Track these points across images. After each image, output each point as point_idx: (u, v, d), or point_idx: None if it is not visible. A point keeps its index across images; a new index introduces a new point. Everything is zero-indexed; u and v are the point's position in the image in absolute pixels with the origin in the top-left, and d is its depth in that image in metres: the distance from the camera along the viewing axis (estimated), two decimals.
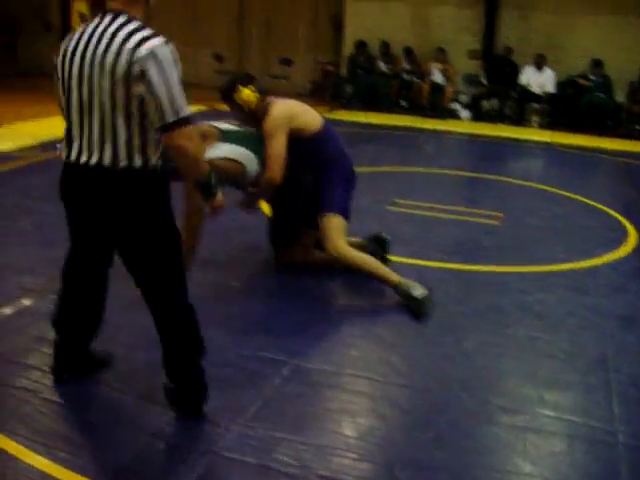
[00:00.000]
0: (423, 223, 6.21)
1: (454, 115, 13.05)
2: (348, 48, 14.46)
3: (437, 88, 13.30)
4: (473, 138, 11.38)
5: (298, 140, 4.52)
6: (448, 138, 11.38)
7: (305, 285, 4.67)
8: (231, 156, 4.42)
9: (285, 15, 15.86)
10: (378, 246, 5.00)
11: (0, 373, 3.43)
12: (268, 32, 16.15)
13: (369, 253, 4.70)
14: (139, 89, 2.73)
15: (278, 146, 4.40)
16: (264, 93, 4.64)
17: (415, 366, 3.72)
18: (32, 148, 8.78)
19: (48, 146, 8.81)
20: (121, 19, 2.79)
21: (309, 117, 4.66)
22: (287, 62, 15.60)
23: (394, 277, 4.40)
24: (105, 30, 2.78)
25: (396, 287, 4.36)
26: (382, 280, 4.44)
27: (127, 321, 3.92)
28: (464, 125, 12.45)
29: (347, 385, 3.48)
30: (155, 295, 3.09)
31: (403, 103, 13.75)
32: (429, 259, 5.24)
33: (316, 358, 3.71)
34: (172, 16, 16.61)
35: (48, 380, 3.37)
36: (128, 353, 3.64)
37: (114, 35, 2.74)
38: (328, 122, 4.86)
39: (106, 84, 2.75)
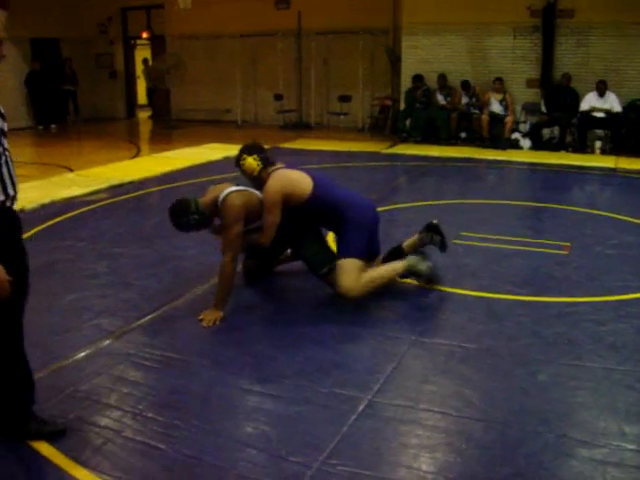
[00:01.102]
0: (490, 255, 6.18)
1: (514, 145, 12.98)
2: (405, 82, 14.56)
3: (496, 118, 13.26)
4: (534, 167, 11.28)
5: (297, 205, 4.93)
6: (509, 168, 11.31)
7: (376, 323, 4.71)
8: None
9: (342, 52, 16.12)
10: (434, 233, 5.49)
11: (83, 412, 3.54)
12: (326, 70, 16.42)
13: (427, 243, 5.47)
14: None
15: (272, 218, 4.83)
16: (269, 162, 5.01)
17: (490, 399, 3.70)
18: (101, 192, 9.07)
19: (116, 190, 9.11)
20: None
21: (301, 186, 4.93)
22: (346, 99, 15.83)
23: (400, 266, 5.06)
24: None
25: (407, 270, 5.06)
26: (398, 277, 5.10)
27: None
28: (525, 154, 12.36)
29: (422, 420, 3.48)
30: None
31: (462, 135, 13.76)
32: (499, 291, 5.22)
33: (391, 393, 3.73)
34: (233, 59, 17.05)
35: (128, 419, 3.47)
36: None
37: None
38: (321, 180, 5.05)
39: None
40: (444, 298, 5.14)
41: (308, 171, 5.11)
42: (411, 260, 5.10)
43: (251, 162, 4.96)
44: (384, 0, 15.49)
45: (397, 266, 5.07)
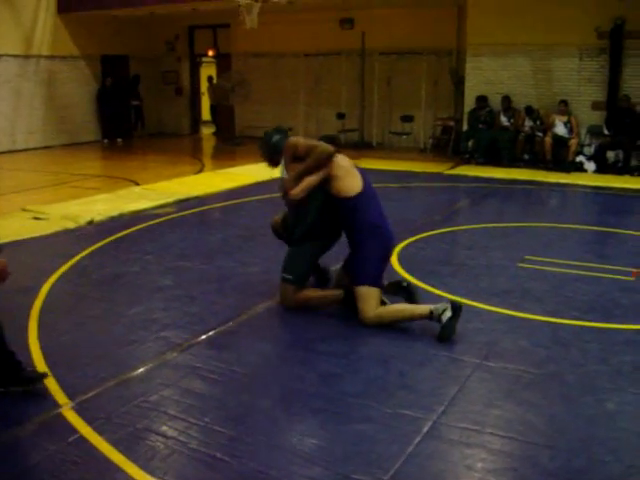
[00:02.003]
0: (555, 280, 6.11)
1: (579, 168, 12.80)
2: (468, 103, 14.51)
3: (560, 141, 13.11)
4: (599, 191, 11.11)
5: (337, 199, 5.07)
6: (573, 191, 11.16)
7: (440, 345, 4.69)
8: None
9: (405, 72, 16.15)
10: (406, 294, 5.34)
11: (150, 423, 3.62)
12: (389, 90, 16.46)
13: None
14: None
15: (314, 177, 5.04)
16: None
17: (556, 426, 3.65)
18: (167, 206, 9.24)
19: (182, 204, 9.27)
20: None
21: (353, 180, 5.06)
22: (408, 119, 15.84)
23: (425, 310, 4.81)
24: None
25: (430, 316, 4.76)
26: (418, 318, 4.85)
27: None
28: (589, 178, 12.16)
29: (488, 444, 3.46)
30: None
31: (525, 157, 13.63)
32: (564, 317, 5.16)
33: (455, 416, 3.72)
34: (297, 78, 17.24)
35: (195, 431, 3.53)
36: None
37: None
38: (370, 187, 5.15)
39: None
40: (509, 322, 5.10)
41: (363, 174, 5.20)
42: (439, 308, 4.79)
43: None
44: (448, 21, 15.49)
45: (421, 309, 4.89)
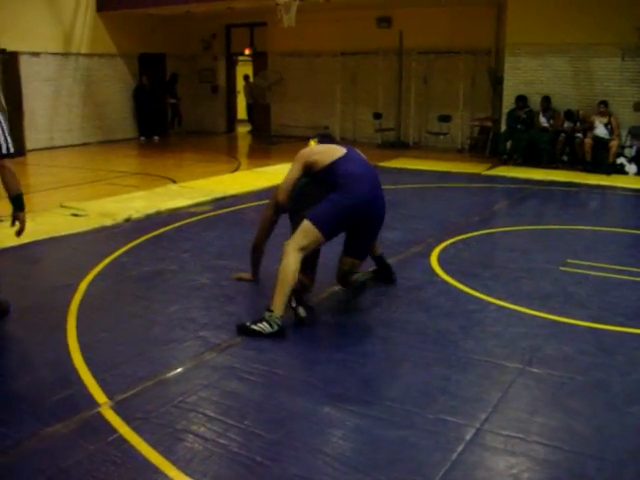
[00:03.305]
0: (599, 284, 5.98)
1: (619, 170, 12.58)
2: (507, 103, 14.34)
3: (600, 142, 12.89)
4: None
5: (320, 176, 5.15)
6: (613, 194, 10.96)
7: (482, 350, 4.62)
8: None
9: (443, 72, 16.04)
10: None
11: (190, 424, 3.58)
12: (426, 89, 16.35)
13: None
14: None
15: (290, 174, 5.28)
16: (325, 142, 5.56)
17: (603, 436, 3.55)
18: (204, 204, 9.25)
19: (219, 203, 9.26)
20: None
21: (323, 157, 5.17)
22: (446, 119, 15.71)
23: (282, 309, 4.75)
24: None
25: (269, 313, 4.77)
26: (279, 301, 4.76)
27: None
28: (630, 180, 11.94)
29: (533, 453, 3.37)
30: None
31: (565, 158, 13.44)
32: (609, 323, 5.04)
33: (499, 423, 3.63)
34: (333, 77, 17.19)
35: (234, 434, 3.49)
36: None
37: None
38: (350, 159, 5.16)
39: None
40: (552, 327, 4.99)
41: (350, 148, 5.33)
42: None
43: (311, 143, 5.52)
44: (487, 21, 15.33)
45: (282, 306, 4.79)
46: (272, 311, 4.74)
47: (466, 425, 3.60)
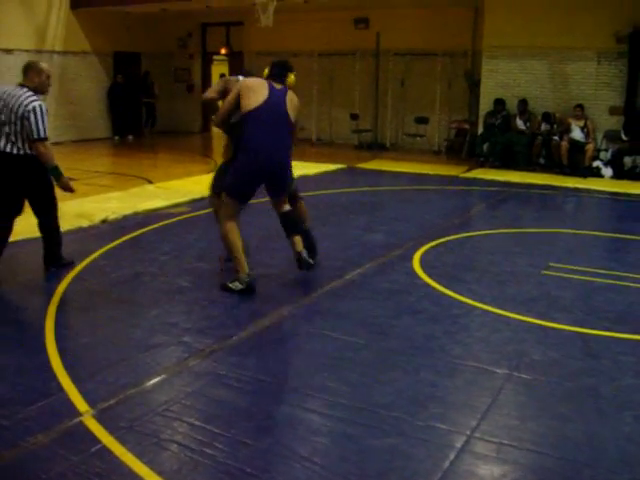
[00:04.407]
0: (582, 288, 5.97)
1: (596, 173, 12.65)
2: (484, 106, 14.37)
3: (577, 145, 12.95)
4: (616, 197, 10.96)
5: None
6: (590, 197, 11.01)
7: (469, 356, 4.58)
8: None
9: (419, 74, 16.05)
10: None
11: (175, 433, 3.49)
12: (403, 91, 16.34)
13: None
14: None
15: (227, 99, 5.70)
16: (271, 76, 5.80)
17: (595, 443, 3.50)
18: (182, 205, 9.13)
19: (197, 204, 9.15)
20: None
21: (250, 99, 5.54)
22: (422, 120, 15.71)
23: (245, 267, 5.57)
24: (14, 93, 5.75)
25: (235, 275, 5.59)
26: (237, 262, 5.59)
27: None
28: (606, 183, 12.00)
29: (524, 460, 3.32)
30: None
31: (541, 161, 13.49)
32: (594, 328, 5.02)
33: (490, 430, 3.58)
34: (310, 77, 17.12)
35: (221, 443, 3.40)
36: None
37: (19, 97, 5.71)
38: (263, 112, 5.51)
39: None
40: (538, 332, 4.96)
41: (272, 91, 5.62)
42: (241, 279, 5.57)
43: (264, 73, 5.86)
44: (464, 23, 15.35)
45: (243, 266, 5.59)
46: (238, 272, 5.55)
47: (456, 432, 3.55)
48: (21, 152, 5.77)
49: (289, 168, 5.95)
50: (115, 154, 16.08)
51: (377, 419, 3.65)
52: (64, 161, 14.03)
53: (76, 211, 8.50)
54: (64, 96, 16.81)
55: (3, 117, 5.75)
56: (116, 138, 17.73)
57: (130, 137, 17.79)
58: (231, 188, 5.67)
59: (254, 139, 5.53)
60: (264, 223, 7.16)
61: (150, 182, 10.97)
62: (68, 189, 6.11)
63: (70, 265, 6.30)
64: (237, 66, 18.48)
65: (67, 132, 16.91)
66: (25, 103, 5.67)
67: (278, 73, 5.77)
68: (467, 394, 4.01)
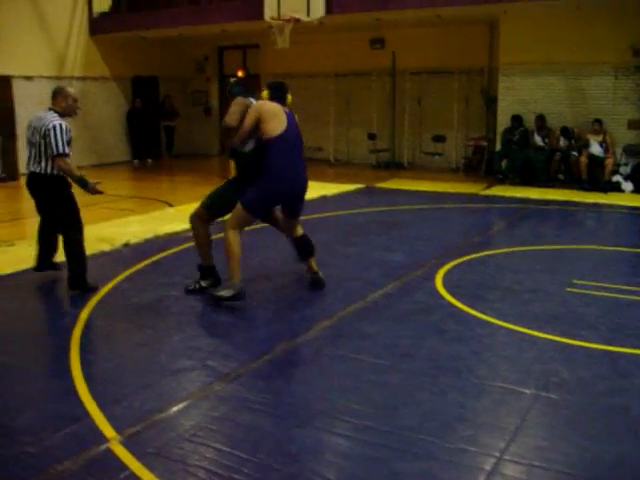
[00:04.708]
0: (607, 305, 5.91)
1: (615, 188, 12.57)
2: (501, 123, 14.36)
3: (596, 160, 12.89)
4: (638, 211, 10.86)
5: (263, 140, 5.83)
6: (611, 212, 10.93)
7: (496, 376, 4.54)
8: None
9: (436, 92, 16.06)
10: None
11: (202, 459, 3.47)
12: (420, 110, 16.35)
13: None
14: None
15: (246, 122, 5.79)
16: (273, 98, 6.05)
17: (628, 464, 3.44)
18: None
19: (217, 227, 9.15)
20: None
21: (269, 125, 5.77)
22: (440, 139, 15.71)
23: (238, 276, 5.76)
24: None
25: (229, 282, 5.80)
26: (232, 270, 5.77)
27: None
28: (627, 198, 11.92)
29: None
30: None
31: (560, 176, 13.43)
32: (622, 345, 4.96)
33: (520, 451, 3.52)
34: (327, 98, 17.19)
35: (248, 468, 3.38)
36: None
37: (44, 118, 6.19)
38: (291, 132, 5.86)
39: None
40: (565, 350, 4.91)
41: (290, 117, 5.96)
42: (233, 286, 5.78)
43: (264, 95, 6.07)
44: (479, 40, 15.38)
45: (235, 276, 5.78)
46: (232, 278, 5.76)
47: (486, 454, 3.51)
48: (45, 171, 6.20)
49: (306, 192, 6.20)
50: (135, 177, 16.19)
51: (406, 442, 3.61)
52: None
53: (98, 235, 8.55)
54: (84, 121, 16.93)
55: (32, 140, 6.25)
56: (135, 162, 17.86)
57: (149, 160, 17.91)
58: (252, 205, 5.83)
59: (282, 162, 5.79)
60: (281, 246, 7.15)
61: (170, 205, 11.02)
62: (97, 192, 6.47)
63: (94, 290, 6.36)
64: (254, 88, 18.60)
65: (87, 156, 17.02)
66: (46, 123, 6.12)
67: (280, 95, 6.03)
68: (495, 415, 3.97)
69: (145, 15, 16.42)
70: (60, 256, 6.58)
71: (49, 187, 6.28)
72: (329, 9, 13.49)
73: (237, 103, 5.94)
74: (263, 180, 5.81)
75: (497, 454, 3.51)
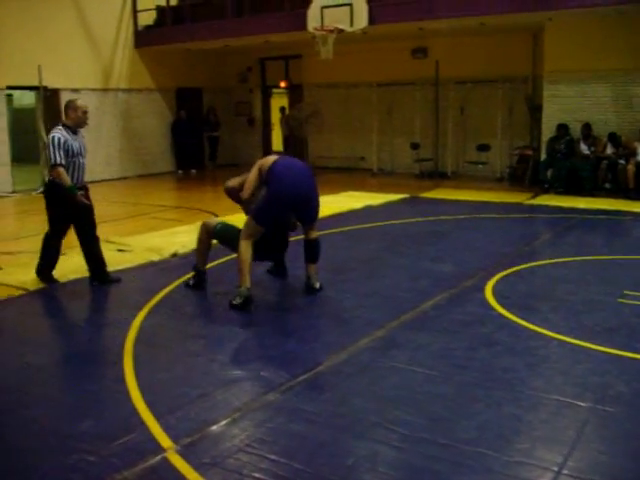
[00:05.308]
0: None
1: None
2: (546, 131, 14.22)
3: None
4: None
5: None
6: None
7: (550, 388, 4.48)
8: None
9: (480, 101, 15.98)
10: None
11: (257, 470, 3.47)
12: (463, 119, 16.28)
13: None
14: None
15: (250, 176, 6.37)
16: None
17: None
18: None
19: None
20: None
21: (264, 162, 6.38)
22: (484, 148, 15.61)
23: (246, 282, 6.04)
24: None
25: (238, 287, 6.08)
26: (242, 277, 6.08)
27: None
28: None
29: None
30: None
31: (607, 185, 13.24)
32: None
33: (579, 466, 3.47)
34: (369, 108, 17.21)
35: (288, 470, 3.38)
36: None
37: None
38: (280, 162, 6.35)
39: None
40: (620, 362, 4.83)
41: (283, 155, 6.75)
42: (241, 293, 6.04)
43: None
44: (523, 48, 15.28)
45: (245, 280, 6.07)
46: (240, 286, 6.04)
47: (544, 469, 3.46)
48: (49, 179, 6.97)
49: (317, 197, 6.50)
50: (179, 188, 16.37)
51: (462, 455, 3.58)
52: (130, 196, 14.46)
53: (145, 245, 8.67)
54: (129, 132, 17.24)
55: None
56: (180, 172, 18.05)
57: (193, 171, 18.11)
58: (259, 213, 6.21)
59: (283, 170, 6.27)
60: (331, 255, 7.18)
61: (216, 215, 11.08)
62: (82, 203, 6.75)
63: (117, 282, 7.04)
64: (297, 98, 18.73)
65: (133, 167, 17.32)
66: (49, 136, 6.86)
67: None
68: (552, 428, 3.91)
69: (189, 27, 16.63)
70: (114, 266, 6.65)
71: (50, 193, 6.88)
72: (372, 19, 13.52)
73: (242, 175, 6.53)
74: (267, 190, 6.21)
75: (555, 468, 3.46)
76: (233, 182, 6.61)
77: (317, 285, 6.52)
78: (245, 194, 6.34)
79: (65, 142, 6.66)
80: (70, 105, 6.93)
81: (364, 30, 13.78)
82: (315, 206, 6.46)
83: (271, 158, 6.44)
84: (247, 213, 6.50)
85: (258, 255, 6.37)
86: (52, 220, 6.91)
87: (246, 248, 6.11)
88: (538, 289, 6.74)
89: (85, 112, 6.87)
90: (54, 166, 6.67)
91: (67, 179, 6.65)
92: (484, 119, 15.95)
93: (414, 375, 4.64)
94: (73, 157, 6.76)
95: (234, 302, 6.01)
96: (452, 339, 5.32)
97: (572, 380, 4.55)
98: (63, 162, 6.63)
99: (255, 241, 6.28)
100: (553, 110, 14.22)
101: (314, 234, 6.55)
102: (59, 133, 6.71)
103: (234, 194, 6.60)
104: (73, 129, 6.86)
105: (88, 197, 7.02)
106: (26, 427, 4.03)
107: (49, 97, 14.93)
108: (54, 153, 6.63)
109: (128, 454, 3.64)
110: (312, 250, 6.53)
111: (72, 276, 7.21)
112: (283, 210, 6.33)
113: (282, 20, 14.94)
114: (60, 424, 4.06)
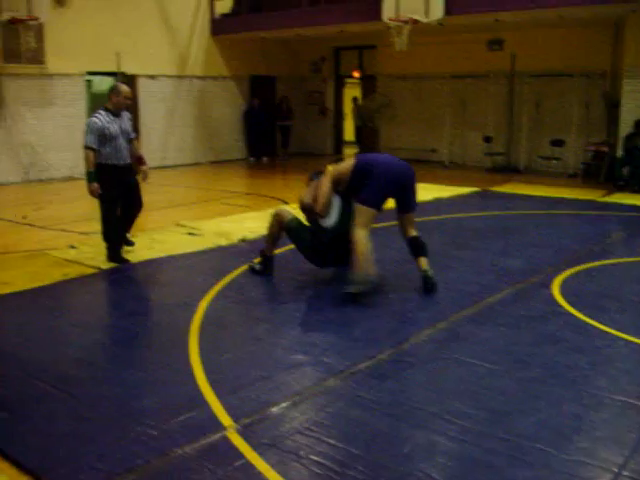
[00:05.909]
0: None
1: None
2: (624, 128, 13.86)
3: None
4: None
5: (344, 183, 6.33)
6: None
7: (615, 387, 4.40)
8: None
9: (555, 95, 15.67)
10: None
11: (315, 453, 3.52)
12: (538, 113, 15.99)
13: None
14: None
15: (323, 187, 6.30)
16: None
17: None
18: None
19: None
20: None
21: (341, 167, 6.37)
22: (558, 143, 15.32)
23: (370, 270, 5.96)
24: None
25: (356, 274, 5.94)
26: (364, 264, 5.93)
27: None
28: None
29: None
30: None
31: None
32: None
33: (639, 468, 3.44)
34: (442, 100, 17.08)
35: (360, 465, 3.41)
36: None
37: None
38: (361, 158, 6.49)
39: None
40: None
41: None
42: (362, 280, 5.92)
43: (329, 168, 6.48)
44: (602, 42, 14.92)
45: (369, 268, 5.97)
46: (357, 275, 5.90)
47: (603, 469, 3.41)
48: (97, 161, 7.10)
49: (415, 183, 6.38)
50: (250, 175, 16.55)
51: (520, 450, 3.56)
52: (201, 181, 14.71)
53: (215, 230, 8.82)
54: (203, 119, 17.50)
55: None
56: (251, 159, 18.25)
57: (265, 159, 18.28)
58: (369, 197, 6.06)
59: (378, 157, 6.47)
60: (399, 246, 7.16)
61: (286, 203, 11.19)
62: (91, 193, 7.05)
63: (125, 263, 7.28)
64: (370, 89, 18.71)
65: (205, 154, 17.58)
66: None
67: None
68: (614, 429, 3.86)
69: (266, 16, 16.76)
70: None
71: (99, 174, 7.07)
72: (448, 10, 13.39)
73: (311, 185, 6.49)
74: (369, 178, 6.10)
75: (615, 469, 3.41)
76: (307, 197, 6.44)
77: (432, 274, 6.28)
78: (321, 209, 6.27)
79: (101, 126, 6.98)
80: (114, 89, 7.23)
81: (439, 21, 13.65)
82: (415, 191, 6.37)
83: (348, 161, 6.41)
84: (310, 222, 6.52)
85: (323, 262, 6.53)
86: (103, 199, 7.15)
87: (363, 235, 5.98)
88: (606, 288, 6.60)
89: (127, 97, 7.19)
90: (85, 148, 7.01)
91: (90, 164, 6.99)
92: (559, 114, 15.65)
93: (475, 368, 4.62)
94: (111, 139, 7.05)
95: (354, 290, 5.89)
96: (516, 334, 5.28)
97: (637, 381, 4.47)
98: (94, 146, 6.96)
99: (322, 251, 6.38)
100: (632, 106, 13.84)
101: (414, 231, 6.42)
102: (96, 117, 7.05)
103: (311, 210, 6.43)
104: (114, 112, 7.13)
105: (133, 175, 7.43)
106: (96, 401, 4.17)
107: (126, 83, 15.24)
108: (87, 136, 6.98)
109: (189, 430, 3.74)
110: (420, 246, 6.36)
111: (145, 257, 7.40)
112: (392, 187, 6.18)
113: (357, 10, 14.93)
114: (126, 399, 4.18)
